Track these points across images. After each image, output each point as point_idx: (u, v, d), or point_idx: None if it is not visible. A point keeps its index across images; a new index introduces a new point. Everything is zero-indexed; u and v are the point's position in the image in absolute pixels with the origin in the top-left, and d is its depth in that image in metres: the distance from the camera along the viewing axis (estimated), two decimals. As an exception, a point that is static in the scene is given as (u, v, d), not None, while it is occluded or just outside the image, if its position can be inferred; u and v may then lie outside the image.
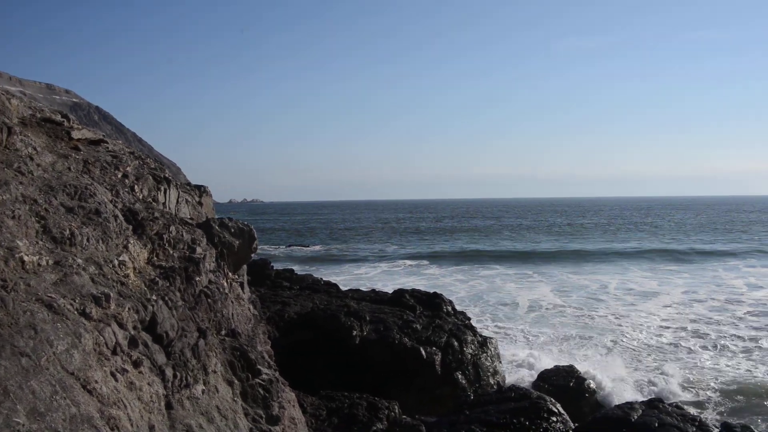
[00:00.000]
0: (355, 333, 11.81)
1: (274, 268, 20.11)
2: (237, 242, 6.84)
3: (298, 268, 31.63)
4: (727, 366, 16.23)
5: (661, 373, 15.51)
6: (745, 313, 23.02)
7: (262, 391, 5.01)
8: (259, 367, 5.18)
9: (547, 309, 24.30)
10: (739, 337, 19.41)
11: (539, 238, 60.77)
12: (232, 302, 5.88)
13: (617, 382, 14.07)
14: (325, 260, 43.24)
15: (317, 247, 53.98)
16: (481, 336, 12.19)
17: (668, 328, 20.90)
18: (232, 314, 5.75)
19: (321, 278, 19.54)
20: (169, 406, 4.17)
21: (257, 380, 5.08)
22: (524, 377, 14.08)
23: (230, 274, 6.67)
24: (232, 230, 6.97)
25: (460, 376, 11.36)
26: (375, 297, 14.86)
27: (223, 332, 5.48)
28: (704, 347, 18.14)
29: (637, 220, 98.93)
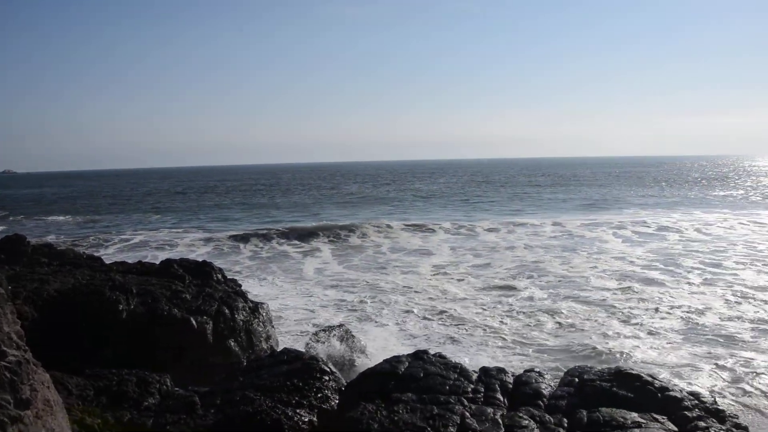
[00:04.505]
0: (121, 307, 11.28)
1: (31, 243, 18.63)
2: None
3: (63, 241, 29.76)
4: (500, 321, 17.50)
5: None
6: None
7: (9, 375, 4.60)
8: (4, 348, 4.76)
9: (327, 274, 24.84)
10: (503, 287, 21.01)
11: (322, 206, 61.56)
12: (-30, 280, 5.33)
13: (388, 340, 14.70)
14: (90, 232, 40.84)
15: (79, 219, 50.81)
16: (252, 302, 12.14)
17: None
18: (-29, 294, 5.22)
19: (83, 252, 18.43)
20: None
21: (3, 363, 4.66)
22: (300, 339, 14.31)
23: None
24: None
25: (232, 344, 11.26)
26: (142, 269, 14.26)
27: (-40, 314, 4.96)
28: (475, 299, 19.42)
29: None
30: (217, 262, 16.92)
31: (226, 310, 11.51)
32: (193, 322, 11.04)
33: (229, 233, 37.86)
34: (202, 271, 13.13)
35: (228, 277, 13.62)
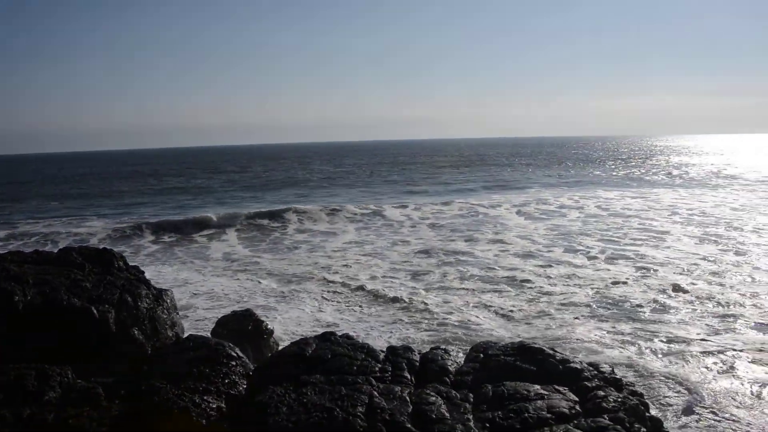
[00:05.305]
0: (17, 298, 10.82)
1: None
2: None
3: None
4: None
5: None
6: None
7: None
8: None
9: (235, 259, 24.59)
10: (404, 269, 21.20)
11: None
12: None
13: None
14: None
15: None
16: (156, 289, 11.86)
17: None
18: None
19: (-25, 243, 17.63)
20: None
21: None
22: (207, 325, 14.12)
23: None
24: None
25: (136, 332, 10.96)
26: (39, 258, 13.67)
27: None
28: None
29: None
30: (119, 249, 16.49)
31: (129, 298, 11.19)
32: (95, 312, 10.70)
33: (132, 219, 36.91)
34: (103, 258, 12.71)
35: (130, 264, 13.26)
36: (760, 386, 10.98)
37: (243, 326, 12.50)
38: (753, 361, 12.11)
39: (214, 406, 7.97)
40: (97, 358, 10.61)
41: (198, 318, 15.65)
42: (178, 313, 12.19)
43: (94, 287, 11.32)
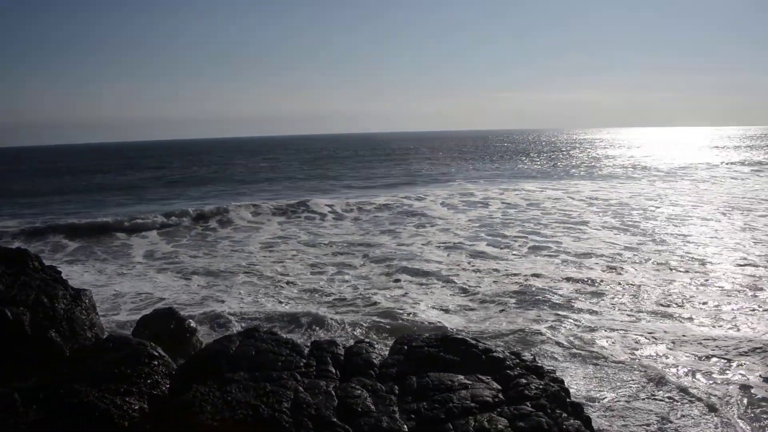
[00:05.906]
0: (-76, 302, 10.39)
1: None
2: None
3: None
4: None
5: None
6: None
7: None
8: None
9: (157, 257, 24.18)
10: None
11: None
12: None
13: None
14: None
15: None
16: (73, 289, 11.55)
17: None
18: None
19: None
20: None
21: None
22: (129, 325, 13.84)
23: None
24: None
25: (54, 334, 10.65)
26: (-53, 259, 13.19)
27: None
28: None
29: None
30: (35, 249, 16.02)
31: (45, 299, 10.86)
32: (8, 314, 10.36)
33: (49, 217, 35.78)
34: (17, 258, 12.29)
35: (47, 264, 12.87)
36: (683, 371, 11.36)
37: (165, 325, 12.30)
38: (675, 347, 12.51)
39: (137, 407, 7.82)
40: (12, 362, 10.29)
41: (119, 318, 15.29)
42: (97, 314, 11.90)
43: (8, 288, 10.95)
